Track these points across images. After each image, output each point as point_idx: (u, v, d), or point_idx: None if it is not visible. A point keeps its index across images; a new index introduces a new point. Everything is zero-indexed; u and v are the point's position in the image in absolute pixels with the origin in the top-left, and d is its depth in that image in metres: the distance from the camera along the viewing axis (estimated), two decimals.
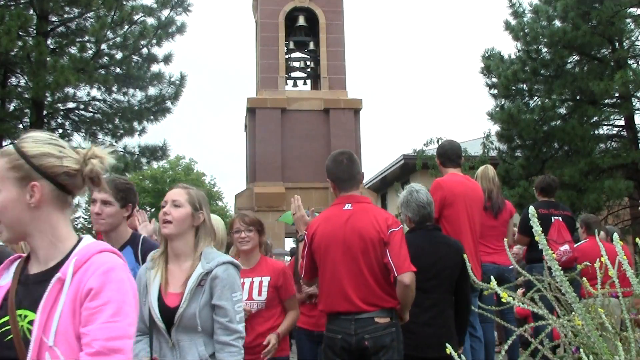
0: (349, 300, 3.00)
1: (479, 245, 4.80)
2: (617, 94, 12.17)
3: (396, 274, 2.96)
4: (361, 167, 3.37)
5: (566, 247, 5.14)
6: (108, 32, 11.97)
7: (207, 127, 75.15)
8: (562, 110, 13.01)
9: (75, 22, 12.56)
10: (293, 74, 17.92)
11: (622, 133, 13.08)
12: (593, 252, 4.89)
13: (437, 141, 12.33)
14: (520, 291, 5.34)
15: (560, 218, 5.39)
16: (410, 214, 3.54)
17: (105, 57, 12.73)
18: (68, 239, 1.50)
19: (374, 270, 3.03)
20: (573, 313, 1.94)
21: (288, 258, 11.27)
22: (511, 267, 4.86)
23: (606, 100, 12.67)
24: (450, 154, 4.58)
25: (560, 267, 1.78)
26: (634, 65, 12.42)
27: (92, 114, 13.22)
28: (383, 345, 2.97)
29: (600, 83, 11.20)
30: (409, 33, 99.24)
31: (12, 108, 12.35)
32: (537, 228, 1.71)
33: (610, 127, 13.44)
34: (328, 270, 3.10)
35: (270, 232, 14.41)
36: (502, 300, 2.12)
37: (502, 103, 13.22)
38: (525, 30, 12.55)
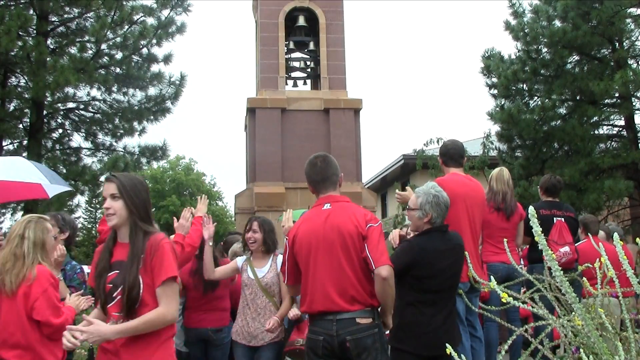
0: (330, 299, 3.00)
1: (488, 245, 4.83)
2: (617, 94, 12.16)
3: (373, 267, 2.96)
4: (339, 170, 3.35)
5: (566, 248, 5.13)
6: (108, 32, 11.95)
7: (207, 127, 75.14)
8: (562, 110, 13.00)
9: (75, 22, 12.55)
10: (293, 74, 17.90)
11: (622, 133, 13.08)
12: (591, 252, 4.90)
13: (437, 141, 12.31)
14: (522, 291, 5.35)
15: (562, 219, 5.38)
16: (434, 213, 3.45)
17: (105, 57, 12.71)
18: None
19: (354, 265, 3.03)
20: (573, 313, 1.94)
21: None
22: (520, 266, 4.88)
23: (606, 100, 12.66)
24: (452, 153, 4.58)
25: (560, 268, 1.78)
26: (634, 65, 12.41)
27: (92, 114, 13.20)
28: (365, 347, 2.96)
29: (600, 83, 11.20)
30: (409, 33, 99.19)
31: (12, 108, 12.33)
32: (536, 229, 1.72)
33: (610, 127, 13.43)
34: (310, 270, 3.10)
35: None
36: (502, 300, 2.13)
37: (502, 103, 13.21)
38: (525, 30, 12.54)
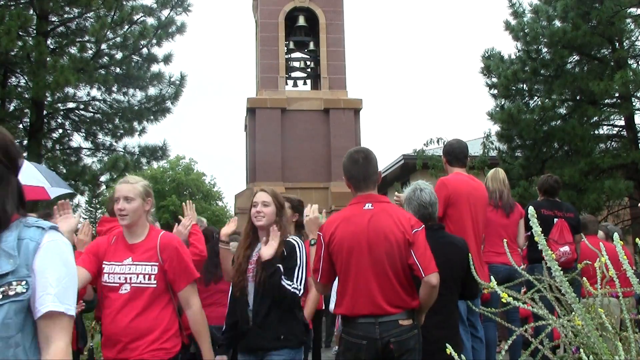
0: (376, 303, 2.93)
1: (490, 245, 4.84)
2: (617, 94, 12.16)
3: (423, 275, 2.91)
4: (378, 167, 3.25)
5: (566, 248, 5.17)
6: (108, 32, 11.95)
7: (207, 127, 75.17)
8: (562, 110, 12.99)
9: (75, 22, 12.55)
10: (293, 74, 17.90)
11: (622, 133, 13.07)
12: (590, 251, 4.91)
13: (437, 141, 12.31)
14: (523, 291, 5.36)
15: (563, 219, 5.41)
16: (410, 211, 3.46)
17: (105, 57, 12.72)
18: None
19: (397, 271, 2.96)
20: (573, 313, 1.94)
21: None
22: (522, 267, 4.90)
23: (606, 100, 12.65)
24: (458, 152, 4.60)
25: (560, 268, 1.78)
26: (634, 65, 12.41)
27: (92, 114, 13.21)
28: (407, 348, 2.92)
29: (600, 83, 11.19)
30: (409, 33, 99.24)
31: (12, 108, 12.33)
32: (536, 228, 1.71)
33: (610, 127, 13.42)
34: (352, 272, 3.00)
35: None
36: (503, 300, 2.13)
37: (502, 103, 13.20)
38: (525, 30, 12.53)
